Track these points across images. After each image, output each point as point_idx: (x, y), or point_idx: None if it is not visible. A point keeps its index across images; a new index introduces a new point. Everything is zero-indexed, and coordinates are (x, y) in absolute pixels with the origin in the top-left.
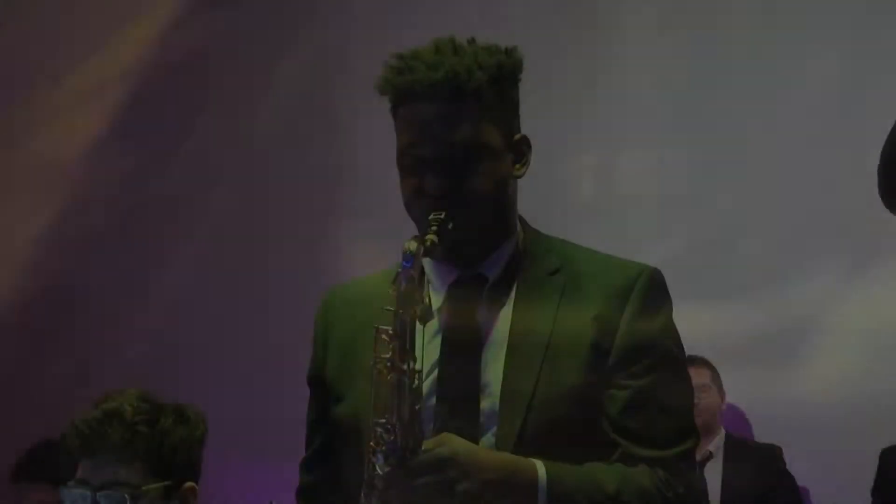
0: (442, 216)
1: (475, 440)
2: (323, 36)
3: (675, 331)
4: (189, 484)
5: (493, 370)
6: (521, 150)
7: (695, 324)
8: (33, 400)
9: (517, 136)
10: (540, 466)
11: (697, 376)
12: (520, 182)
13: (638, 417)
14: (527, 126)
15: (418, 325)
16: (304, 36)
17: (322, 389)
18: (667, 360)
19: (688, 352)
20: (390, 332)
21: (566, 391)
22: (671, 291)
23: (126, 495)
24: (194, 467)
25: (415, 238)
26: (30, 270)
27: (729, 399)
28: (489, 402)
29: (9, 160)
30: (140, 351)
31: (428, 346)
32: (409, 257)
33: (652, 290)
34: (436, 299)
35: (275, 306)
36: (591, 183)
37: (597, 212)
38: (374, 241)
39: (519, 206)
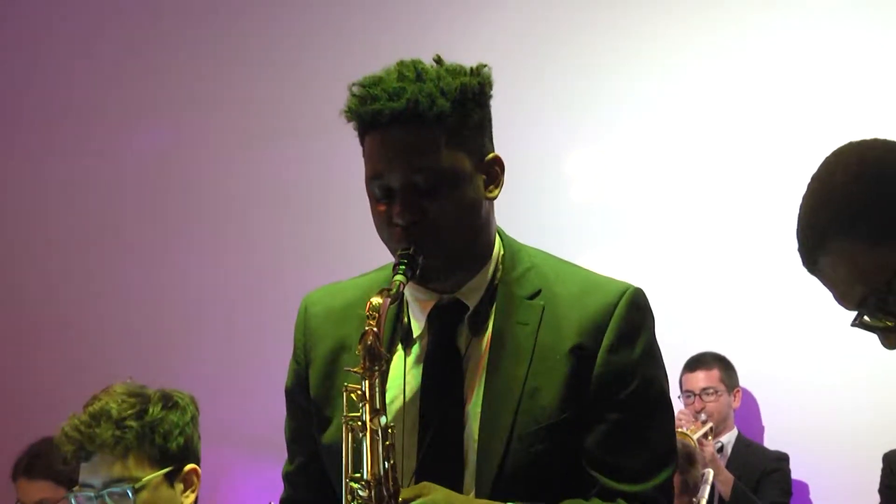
0: (410, 251)
1: (460, 471)
2: (338, 34)
3: (657, 354)
4: (190, 466)
5: (474, 401)
6: (493, 171)
7: (699, 323)
8: (31, 399)
9: (489, 157)
10: None
11: (707, 379)
12: (515, 184)
13: (616, 452)
14: (523, 129)
15: (400, 352)
16: (315, 32)
17: (305, 404)
18: (646, 388)
19: (700, 348)
20: (359, 392)
21: (545, 426)
22: (673, 293)
23: (128, 490)
24: (191, 449)
25: (380, 293)
26: (29, 269)
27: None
28: (469, 434)
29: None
30: (141, 349)
31: (409, 374)
32: (374, 316)
33: (631, 317)
34: (416, 326)
35: (276, 305)
36: (588, 184)
37: (593, 212)
38: (370, 228)
39: (514, 204)
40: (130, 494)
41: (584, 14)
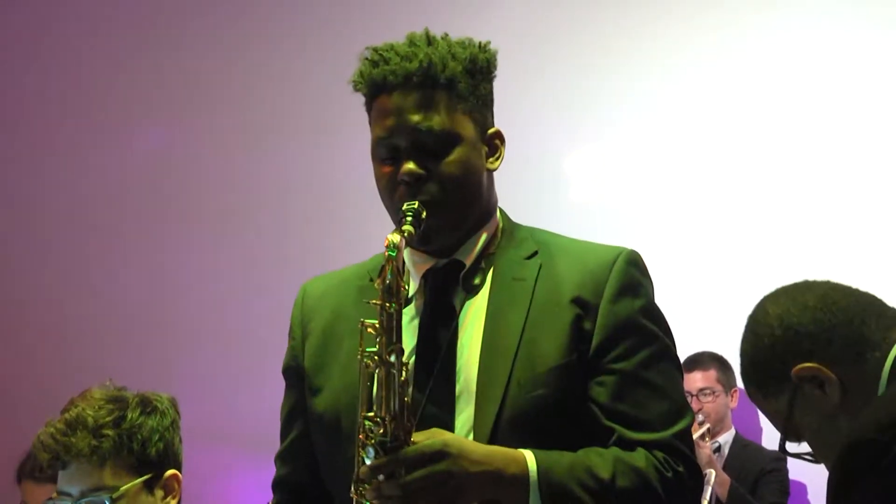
0: (416, 205)
1: (451, 424)
2: (331, 32)
3: (658, 310)
4: (170, 472)
5: (470, 354)
6: (494, 143)
7: (698, 323)
8: (32, 398)
9: (491, 130)
10: (530, 457)
11: (704, 380)
12: (515, 183)
13: (629, 401)
14: (523, 129)
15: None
16: (311, 32)
17: (298, 380)
18: (651, 339)
19: (697, 349)
20: (376, 325)
21: (544, 372)
22: (671, 292)
23: (105, 499)
24: (171, 455)
25: (397, 231)
26: (30, 269)
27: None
28: (466, 385)
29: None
30: (141, 348)
31: (404, 333)
32: (394, 249)
33: (629, 272)
34: (411, 286)
35: (276, 304)
36: (588, 184)
37: (592, 212)
38: (367, 230)
39: (513, 203)
40: (108, 502)
41: (584, 14)
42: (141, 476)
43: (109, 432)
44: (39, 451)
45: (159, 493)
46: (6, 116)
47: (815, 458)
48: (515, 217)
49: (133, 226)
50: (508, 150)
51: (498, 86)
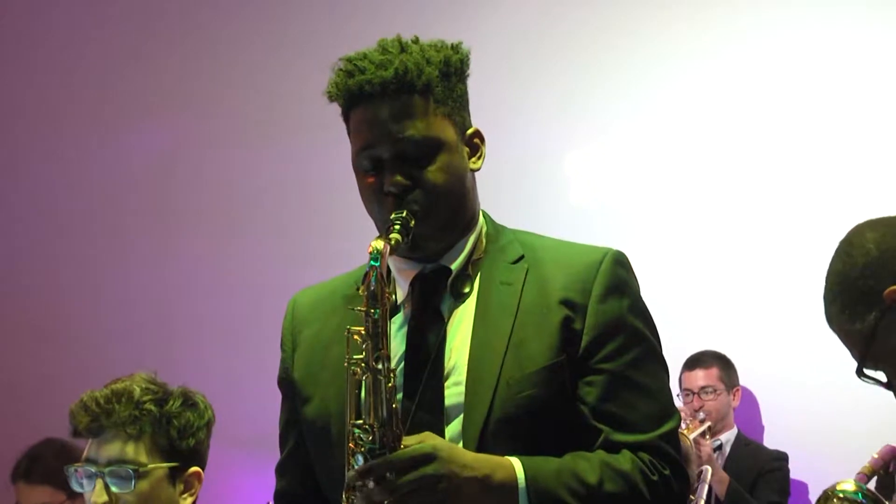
0: (404, 214)
1: (441, 429)
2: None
3: (645, 308)
4: (195, 468)
5: (459, 358)
6: (474, 143)
7: (699, 323)
8: (31, 399)
9: (470, 130)
10: (517, 463)
11: (706, 378)
12: (514, 184)
13: (618, 402)
14: (523, 129)
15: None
16: (311, 31)
17: (291, 392)
18: (638, 339)
19: (697, 348)
20: (362, 332)
21: (533, 372)
22: (672, 292)
23: (132, 471)
24: (200, 453)
25: (380, 237)
26: (29, 269)
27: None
28: (456, 390)
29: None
30: (141, 348)
31: (394, 341)
32: (377, 256)
33: (616, 272)
34: (399, 293)
35: (276, 304)
36: (586, 184)
37: (590, 213)
38: (369, 229)
39: (514, 204)
40: (132, 477)
41: (584, 14)
42: (169, 462)
43: (152, 408)
44: (80, 413)
45: (179, 486)
46: (6, 116)
47: (891, 383)
48: (515, 218)
49: (133, 226)
50: (508, 151)
51: (498, 86)
